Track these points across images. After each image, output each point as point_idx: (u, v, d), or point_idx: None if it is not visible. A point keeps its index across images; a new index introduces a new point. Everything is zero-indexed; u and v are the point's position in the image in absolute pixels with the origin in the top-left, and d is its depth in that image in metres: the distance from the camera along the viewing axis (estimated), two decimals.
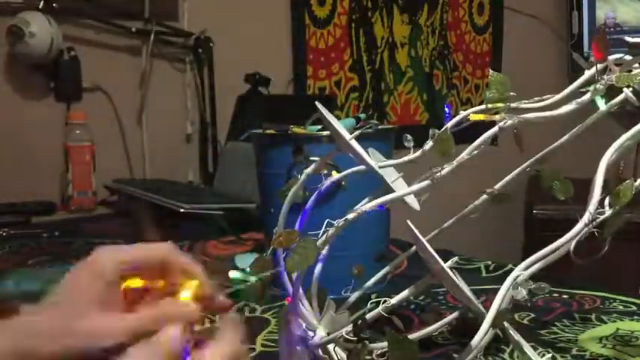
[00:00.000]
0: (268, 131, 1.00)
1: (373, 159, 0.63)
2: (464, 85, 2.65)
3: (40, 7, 1.63)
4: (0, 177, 1.66)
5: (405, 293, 0.59)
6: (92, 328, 0.48)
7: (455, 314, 0.63)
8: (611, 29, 2.72)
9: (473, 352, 0.56)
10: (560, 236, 0.59)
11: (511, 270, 0.60)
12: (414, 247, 0.76)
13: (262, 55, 2.03)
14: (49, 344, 0.47)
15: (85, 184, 1.70)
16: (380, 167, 0.62)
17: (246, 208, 1.38)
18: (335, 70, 2.27)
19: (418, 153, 0.60)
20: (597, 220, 0.58)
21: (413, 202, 0.66)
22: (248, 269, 0.64)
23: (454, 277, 0.55)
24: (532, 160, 0.71)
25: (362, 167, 0.64)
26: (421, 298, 0.94)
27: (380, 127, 0.98)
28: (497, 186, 0.73)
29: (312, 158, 0.68)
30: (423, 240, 0.55)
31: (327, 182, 0.67)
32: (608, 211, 0.59)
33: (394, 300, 0.58)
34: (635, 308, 0.88)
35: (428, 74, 2.53)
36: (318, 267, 0.67)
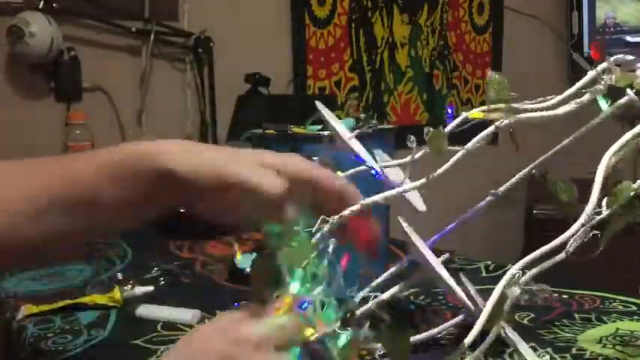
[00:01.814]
0: (268, 131, 1.00)
1: (379, 160, 0.63)
2: (464, 85, 2.65)
3: (40, 7, 1.63)
4: None
5: (394, 289, 0.60)
6: None
7: (460, 317, 0.62)
8: (611, 29, 2.72)
9: (475, 352, 0.56)
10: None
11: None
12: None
13: (262, 55, 2.03)
14: None
15: None
16: (383, 167, 0.62)
17: None
18: (335, 70, 2.27)
19: (420, 152, 0.60)
20: (594, 221, 0.58)
21: (417, 201, 0.66)
22: None
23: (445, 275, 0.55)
24: (537, 162, 0.72)
25: (362, 167, 0.65)
26: (421, 297, 0.93)
27: (380, 127, 0.98)
28: (502, 189, 0.73)
29: (314, 158, 0.69)
30: (420, 241, 0.55)
31: None
32: (605, 212, 0.59)
33: (384, 295, 0.59)
34: (635, 308, 0.88)
35: (428, 74, 2.53)
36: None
